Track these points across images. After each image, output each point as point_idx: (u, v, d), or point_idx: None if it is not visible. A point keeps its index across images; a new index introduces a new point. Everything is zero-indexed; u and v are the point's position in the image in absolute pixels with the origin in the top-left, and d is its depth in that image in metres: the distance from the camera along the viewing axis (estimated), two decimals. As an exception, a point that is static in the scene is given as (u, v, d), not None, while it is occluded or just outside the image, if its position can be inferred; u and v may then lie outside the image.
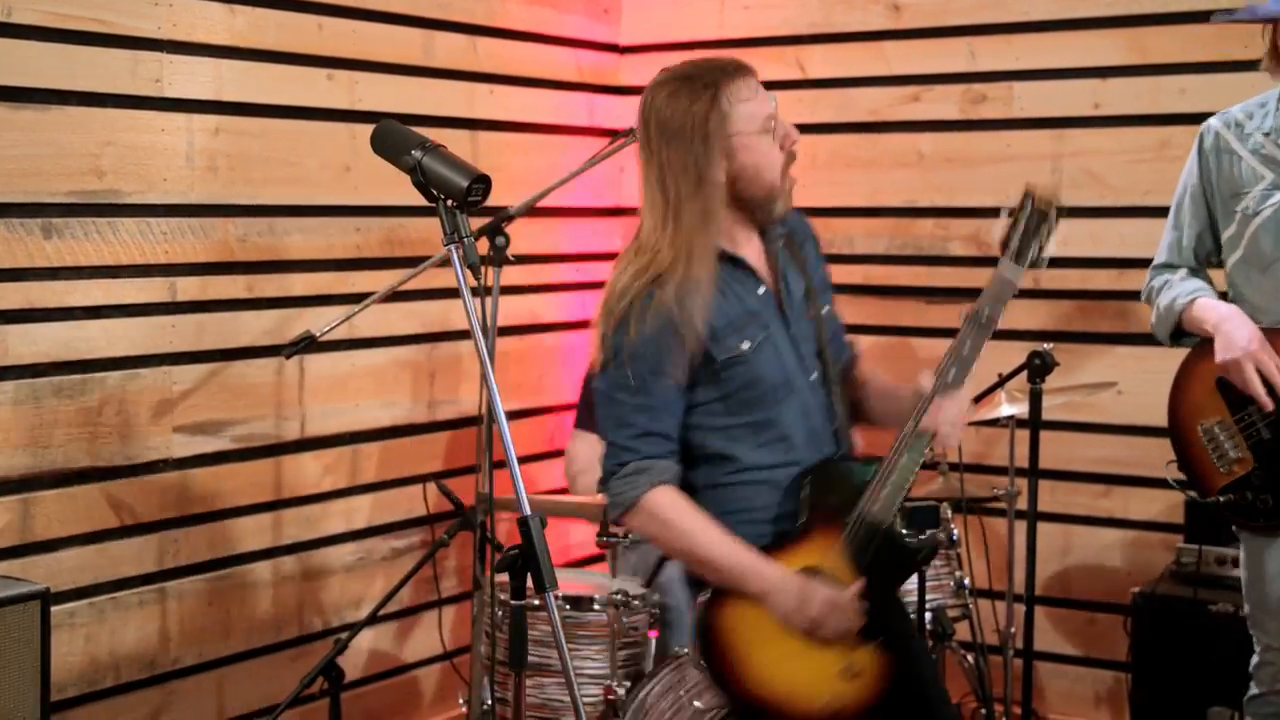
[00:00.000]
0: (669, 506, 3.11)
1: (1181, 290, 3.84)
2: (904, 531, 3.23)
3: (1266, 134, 3.75)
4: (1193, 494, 3.84)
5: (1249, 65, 4.79)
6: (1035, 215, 3.10)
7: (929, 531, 3.14)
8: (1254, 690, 3.84)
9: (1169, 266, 3.93)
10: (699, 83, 3.10)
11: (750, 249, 3.24)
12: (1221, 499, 3.75)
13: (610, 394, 3.16)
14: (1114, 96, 5.19)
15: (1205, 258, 3.91)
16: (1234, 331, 3.67)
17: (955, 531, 4.26)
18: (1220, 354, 3.68)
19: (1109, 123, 5.20)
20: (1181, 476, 3.86)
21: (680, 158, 3.09)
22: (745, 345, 3.14)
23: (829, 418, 3.25)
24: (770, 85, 3.18)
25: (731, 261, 3.18)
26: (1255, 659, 3.84)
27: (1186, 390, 3.84)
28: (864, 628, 3.08)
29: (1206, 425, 3.78)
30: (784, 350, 3.20)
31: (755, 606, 3.10)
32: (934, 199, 5.48)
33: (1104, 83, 5.20)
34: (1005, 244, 3.11)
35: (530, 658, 4.11)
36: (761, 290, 3.21)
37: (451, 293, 2.83)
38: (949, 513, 4.39)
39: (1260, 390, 3.63)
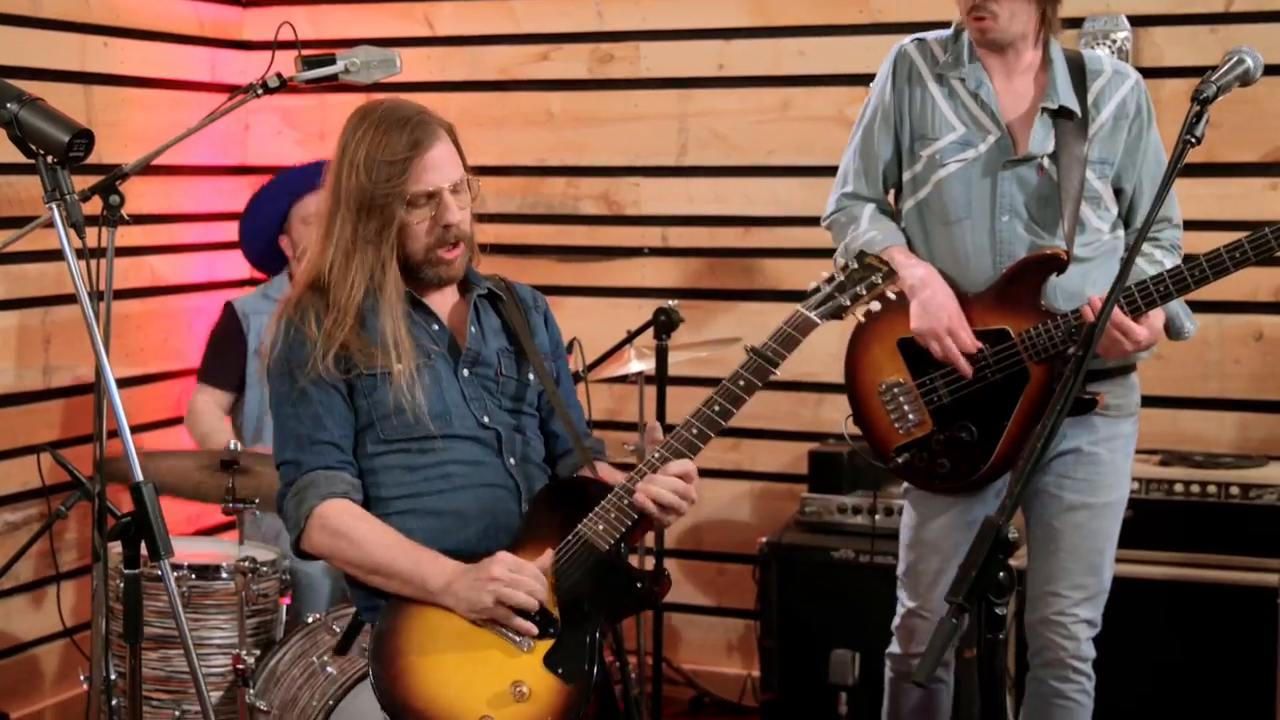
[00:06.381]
0: (336, 517, 2.99)
1: (878, 233, 3.69)
2: (629, 565, 3.05)
3: (961, 79, 3.65)
4: (867, 453, 3.78)
5: (864, 29, 4.99)
6: (861, 270, 3.03)
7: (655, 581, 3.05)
8: (894, 648, 3.83)
9: (857, 197, 3.78)
10: (400, 143, 3.02)
11: (439, 299, 3.18)
12: (900, 459, 3.69)
13: (276, 411, 3.08)
14: (737, 58, 5.29)
15: (891, 186, 3.79)
16: (932, 300, 3.59)
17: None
18: (917, 321, 3.61)
19: (733, 84, 5.30)
20: (857, 433, 3.79)
21: (364, 199, 3.03)
22: (398, 366, 3.04)
23: (510, 474, 3.12)
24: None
25: (408, 298, 3.11)
26: (897, 619, 3.81)
27: (867, 347, 3.74)
28: (551, 652, 2.93)
29: (886, 385, 3.69)
30: (448, 386, 3.10)
31: (435, 612, 2.96)
32: (564, 158, 5.50)
33: (727, 44, 5.30)
34: (813, 294, 3.04)
35: (154, 629, 4.00)
36: (436, 327, 3.14)
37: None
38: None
39: (963, 364, 3.58)
